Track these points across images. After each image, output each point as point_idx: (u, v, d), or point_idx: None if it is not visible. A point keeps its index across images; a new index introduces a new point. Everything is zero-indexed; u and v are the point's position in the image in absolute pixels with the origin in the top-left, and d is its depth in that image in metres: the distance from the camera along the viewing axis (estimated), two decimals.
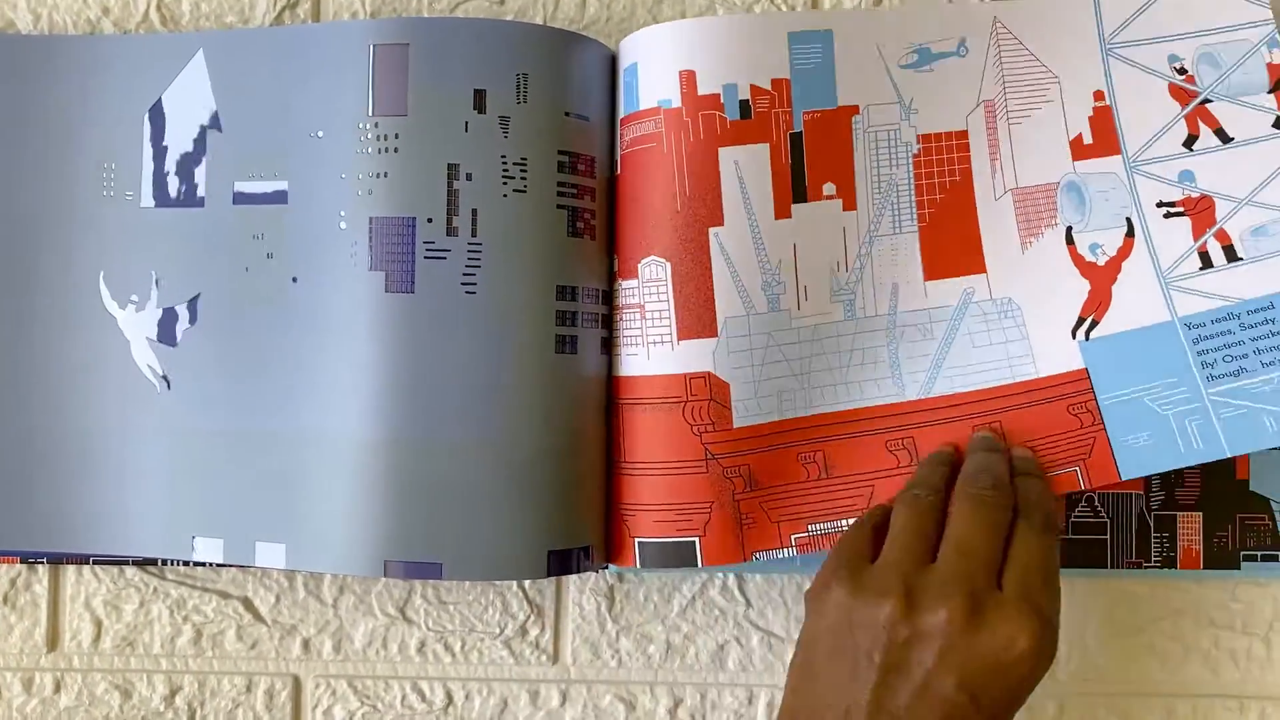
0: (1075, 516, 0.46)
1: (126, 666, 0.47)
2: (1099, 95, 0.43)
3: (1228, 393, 0.41)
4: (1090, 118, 0.43)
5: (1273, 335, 0.40)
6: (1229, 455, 0.40)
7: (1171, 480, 0.46)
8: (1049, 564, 0.38)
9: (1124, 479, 0.41)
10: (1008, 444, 0.42)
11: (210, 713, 0.47)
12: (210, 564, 0.45)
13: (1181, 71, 0.42)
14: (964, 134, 0.43)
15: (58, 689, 0.47)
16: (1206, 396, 0.41)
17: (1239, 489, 0.46)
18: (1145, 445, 0.41)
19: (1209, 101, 0.42)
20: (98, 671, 0.47)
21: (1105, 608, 0.47)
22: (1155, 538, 0.46)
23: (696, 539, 0.42)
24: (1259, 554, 0.46)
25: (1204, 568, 0.46)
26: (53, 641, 0.47)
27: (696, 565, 0.42)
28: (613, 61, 0.45)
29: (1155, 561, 0.46)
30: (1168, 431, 0.41)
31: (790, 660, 0.39)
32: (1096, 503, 0.46)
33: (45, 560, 0.46)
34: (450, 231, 0.41)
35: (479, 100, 0.41)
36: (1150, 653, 0.47)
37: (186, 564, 0.46)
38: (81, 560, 0.46)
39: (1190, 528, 0.46)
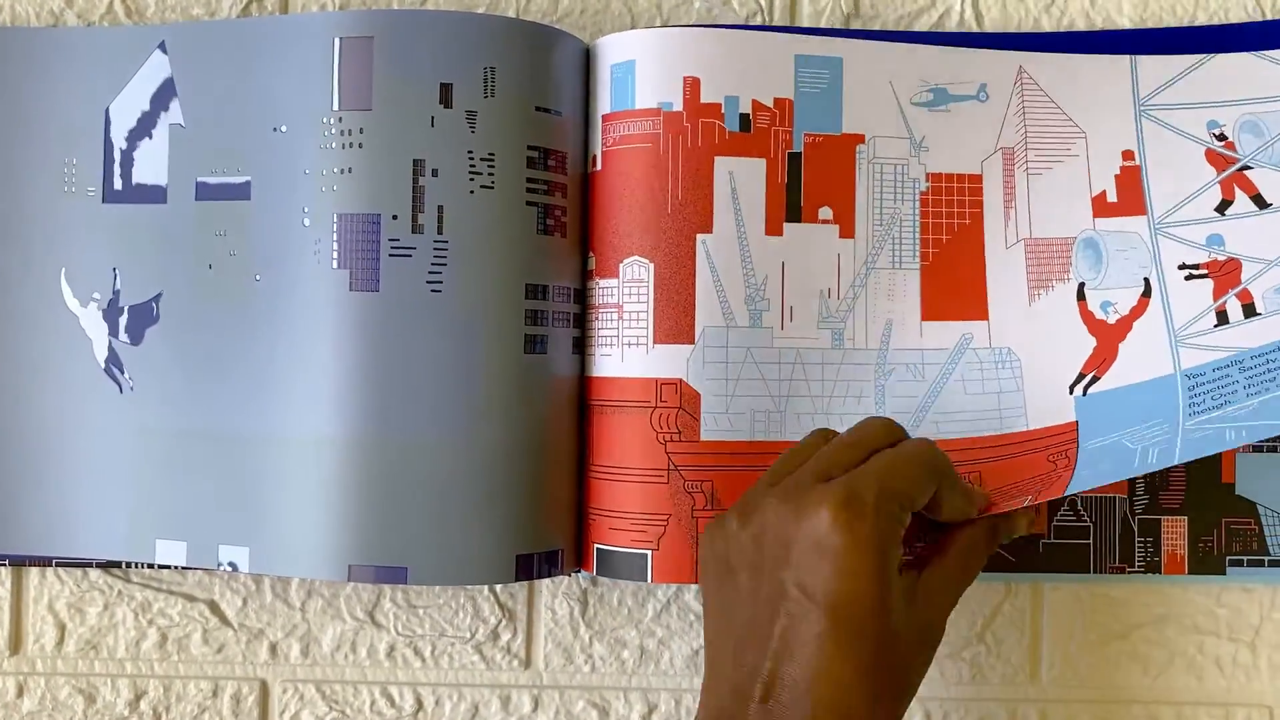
0: (1058, 520, 0.45)
1: (90, 670, 0.46)
2: (1128, 154, 0.43)
3: (1204, 422, 0.40)
4: (1117, 176, 0.43)
5: (1269, 374, 0.40)
6: (1178, 463, 0.39)
7: (1156, 484, 0.45)
8: (892, 468, 0.36)
9: (1067, 494, 0.40)
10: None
11: (176, 717, 0.46)
12: (175, 567, 0.45)
13: (1221, 138, 0.42)
14: (978, 178, 0.43)
15: (20, 693, 0.46)
16: (1182, 428, 0.40)
17: (1225, 493, 0.45)
18: (1102, 470, 0.40)
19: (1248, 168, 0.42)
20: (61, 675, 0.46)
21: (1088, 613, 0.46)
22: (1139, 542, 0.45)
23: (649, 552, 0.42)
24: (1245, 559, 0.45)
25: (1189, 573, 0.45)
26: (15, 645, 0.46)
27: (646, 580, 0.42)
28: (586, 55, 0.44)
29: (1139, 566, 0.45)
30: (1129, 456, 0.40)
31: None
32: (1079, 506, 0.45)
33: (7, 562, 0.45)
34: (415, 229, 0.40)
35: (445, 94, 0.41)
36: (1134, 659, 0.46)
37: (151, 566, 0.45)
38: (44, 562, 0.45)
39: (1175, 532, 0.45)
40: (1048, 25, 0.46)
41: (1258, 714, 0.46)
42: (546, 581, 0.46)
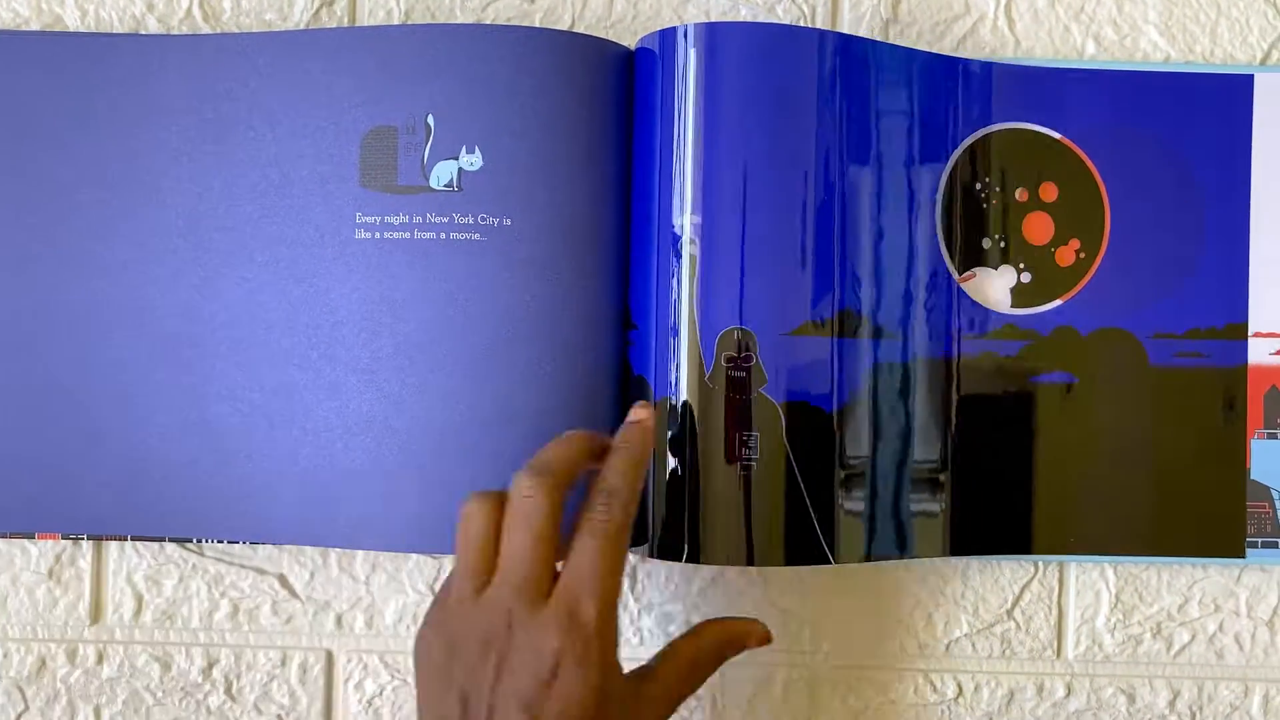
0: None
1: (166, 639, 0.50)
2: None
3: None
4: None
5: None
6: None
7: None
8: (598, 562, 0.38)
9: None
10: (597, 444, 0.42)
11: (246, 685, 0.50)
12: (247, 542, 0.48)
13: None
14: None
15: (100, 660, 0.50)
16: None
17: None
18: None
19: None
20: (138, 644, 0.50)
21: (1113, 591, 0.49)
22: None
23: None
24: (1259, 541, 0.48)
25: (1208, 554, 0.48)
26: (96, 614, 0.50)
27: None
28: (629, 59, 0.47)
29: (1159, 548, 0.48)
30: None
31: None
32: None
33: (87, 537, 0.49)
34: None
35: None
36: (1157, 636, 0.49)
37: (223, 541, 0.49)
38: (122, 537, 0.49)
39: None
40: (1077, 34, 0.49)
41: (1275, 689, 0.49)
42: None
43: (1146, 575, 0.49)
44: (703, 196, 0.44)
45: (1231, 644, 0.49)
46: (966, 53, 0.49)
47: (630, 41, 0.48)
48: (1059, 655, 0.49)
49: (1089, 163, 0.48)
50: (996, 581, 0.49)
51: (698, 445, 0.44)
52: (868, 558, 0.46)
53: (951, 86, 0.47)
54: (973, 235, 0.48)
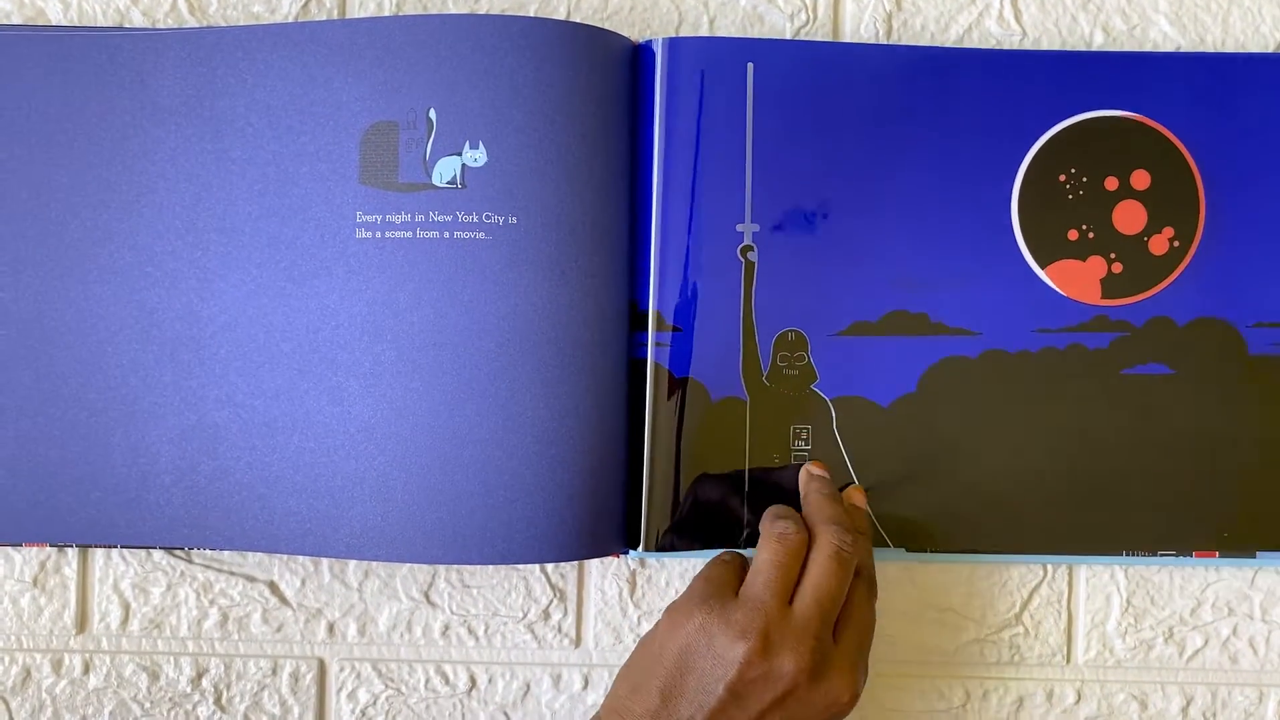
0: None
1: (154, 649, 0.49)
2: None
3: None
4: None
5: None
6: None
7: None
8: (873, 622, 0.44)
9: None
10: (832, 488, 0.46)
11: (236, 695, 0.49)
12: (245, 551, 0.47)
13: None
14: None
15: (86, 670, 0.49)
16: None
17: None
18: None
19: None
20: (125, 653, 0.49)
21: (1124, 595, 0.48)
22: None
23: None
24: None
25: (1219, 557, 0.47)
26: (81, 624, 0.49)
27: None
28: (634, 53, 0.46)
29: (1170, 550, 0.47)
30: None
31: (630, 657, 0.43)
32: None
33: (78, 545, 0.48)
34: None
35: None
36: (1169, 640, 0.48)
37: (213, 548, 0.48)
38: (116, 546, 0.48)
39: None
40: (1084, 24, 0.49)
41: None
42: (595, 562, 0.48)
43: (1158, 578, 0.48)
44: (762, 205, 0.46)
45: (1245, 648, 0.49)
46: (972, 44, 0.48)
47: (628, 33, 0.47)
48: (1069, 661, 0.49)
49: (1182, 148, 0.47)
50: (1005, 586, 0.49)
51: (749, 441, 0.46)
52: (932, 548, 0.47)
53: (1022, 79, 0.47)
54: (1057, 227, 0.47)
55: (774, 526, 0.43)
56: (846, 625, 0.42)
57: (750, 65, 0.46)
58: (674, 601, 0.43)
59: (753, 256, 0.46)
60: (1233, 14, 0.49)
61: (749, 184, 0.46)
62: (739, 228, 0.46)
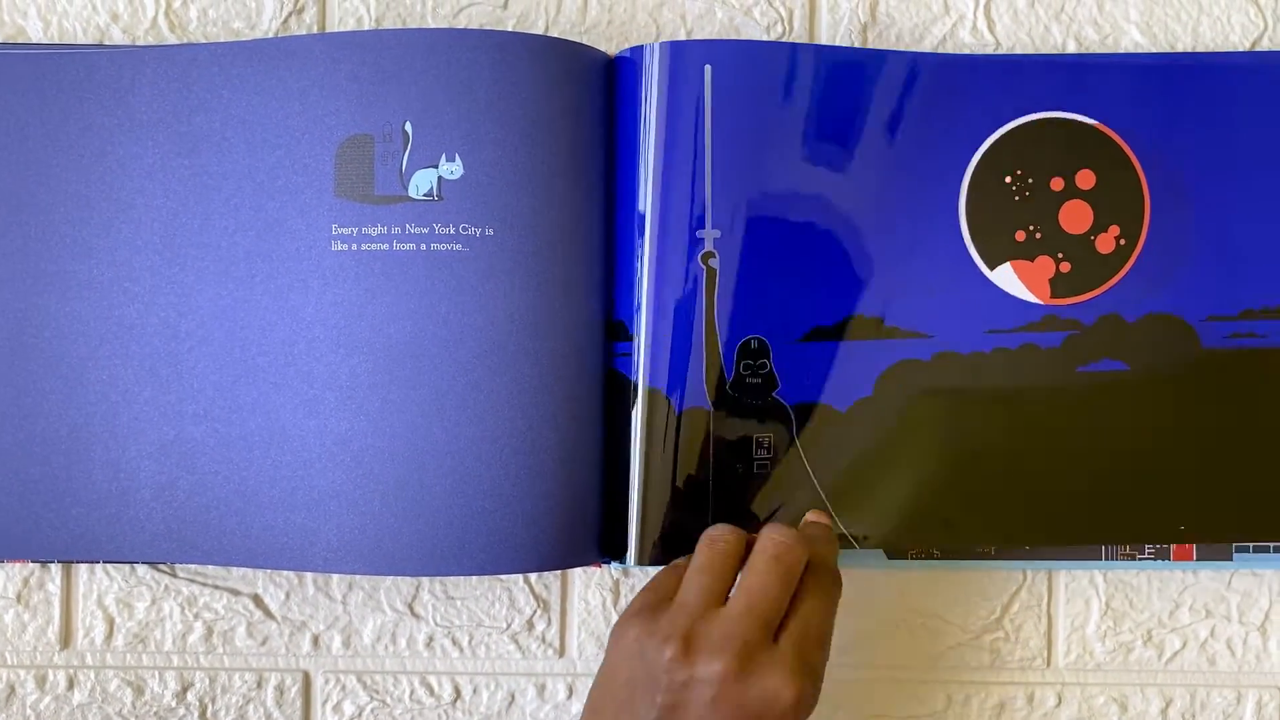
0: None
1: (139, 663, 0.49)
2: None
3: None
4: None
5: None
6: None
7: None
8: (827, 623, 0.42)
9: None
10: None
11: (221, 709, 0.49)
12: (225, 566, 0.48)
13: None
14: None
15: (71, 686, 0.49)
16: None
17: None
18: None
19: None
20: (110, 669, 0.49)
21: (1103, 598, 0.49)
22: None
23: None
24: (1250, 545, 0.48)
25: (1197, 559, 0.48)
26: (66, 639, 0.49)
27: None
28: (610, 66, 0.47)
29: (1148, 554, 0.48)
30: None
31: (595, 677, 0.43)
32: None
33: (59, 560, 0.48)
34: None
35: None
36: (1148, 642, 0.49)
37: (194, 563, 0.48)
38: (91, 561, 0.48)
39: None
40: (1057, 33, 0.50)
41: (1269, 695, 0.49)
42: (579, 572, 0.49)
43: (1136, 581, 0.49)
44: (722, 211, 0.46)
45: (1223, 650, 0.49)
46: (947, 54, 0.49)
47: (605, 46, 0.48)
48: (1049, 664, 0.50)
49: (1126, 147, 0.48)
50: (984, 590, 0.49)
51: (712, 452, 0.46)
52: (901, 552, 0.48)
53: (965, 83, 0.48)
54: (1005, 228, 0.48)
55: (708, 533, 0.43)
56: (792, 621, 0.41)
57: (708, 68, 0.46)
58: (620, 615, 0.43)
59: (714, 264, 0.46)
60: (1202, 22, 0.50)
61: (709, 190, 0.46)
62: (700, 234, 0.46)
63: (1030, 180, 0.48)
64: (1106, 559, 0.48)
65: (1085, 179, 0.48)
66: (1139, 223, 0.48)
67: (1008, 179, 0.48)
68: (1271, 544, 0.48)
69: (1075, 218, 0.48)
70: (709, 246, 0.46)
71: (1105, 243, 0.48)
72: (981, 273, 0.48)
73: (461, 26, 0.49)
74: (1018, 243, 0.48)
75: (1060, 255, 0.48)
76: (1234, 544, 0.48)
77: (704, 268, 0.46)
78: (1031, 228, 0.48)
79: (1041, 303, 0.48)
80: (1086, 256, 0.48)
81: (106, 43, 0.49)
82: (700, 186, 0.46)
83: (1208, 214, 0.48)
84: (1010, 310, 0.48)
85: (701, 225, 0.46)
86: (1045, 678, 0.50)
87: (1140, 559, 0.48)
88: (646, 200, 0.46)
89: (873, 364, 0.47)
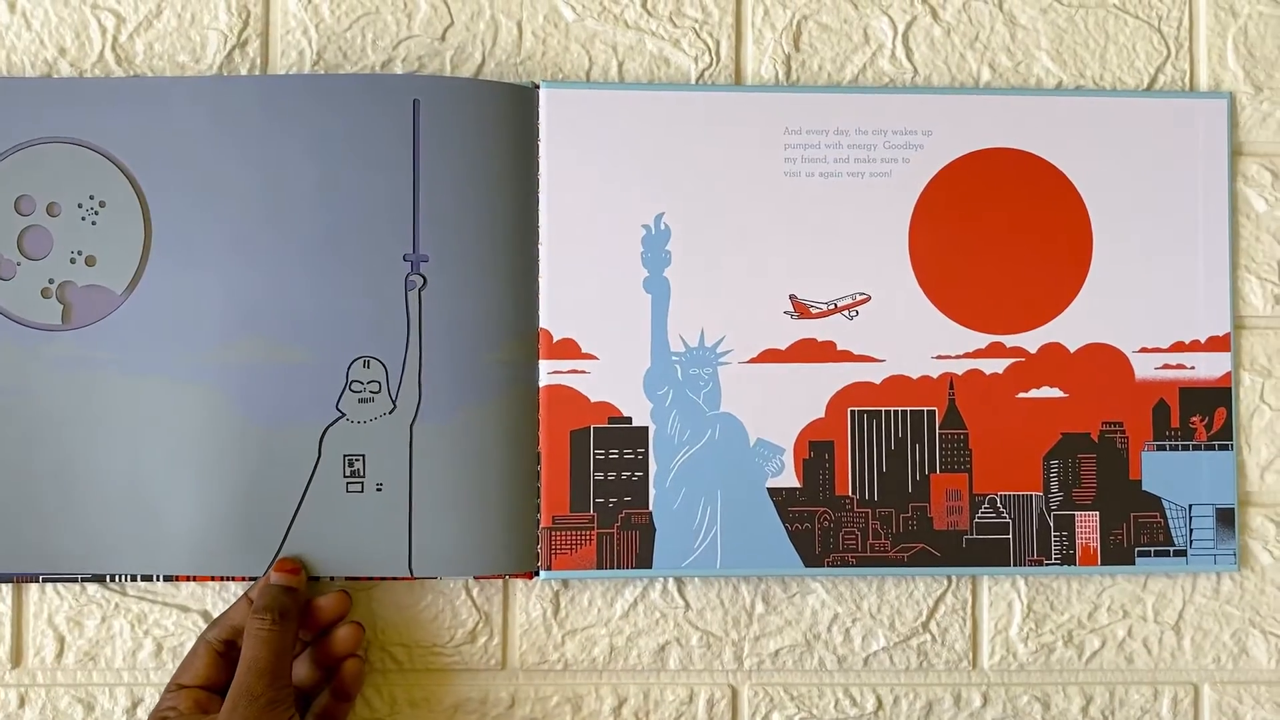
0: (979, 518, 0.51)
1: (89, 680, 0.51)
2: None
3: None
4: None
5: None
6: None
7: (1069, 482, 0.51)
8: (258, 653, 0.45)
9: None
10: None
11: None
12: (170, 578, 0.49)
13: None
14: None
15: (22, 704, 0.50)
16: None
17: (1132, 489, 0.51)
18: None
19: None
20: (61, 686, 0.51)
21: (1024, 601, 0.52)
22: (1055, 536, 0.51)
23: None
24: (1152, 549, 0.51)
25: (1101, 564, 0.51)
26: (16, 658, 0.51)
27: None
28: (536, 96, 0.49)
29: (1055, 559, 0.50)
30: None
31: None
32: (999, 504, 0.51)
33: (15, 579, 0.49)
34: None
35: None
36: (1069, 643, 0.52)
37: (147, 579, 0.50)
38: (35, 579, 0.49)
39: (1087, 526, 0.50)
40: (972, 61, 0.52)
41: (1183, 691, 0.52)
42: (520, 584, 0.51)
43: (1057, 584, 0.52)
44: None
45: (1140, 649, 0.52)
46: (867, 82, 0.52)
47: (539, 78, 0.50)
48: (975, 666, 0.52)
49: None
50: (911, 595, 0.52)
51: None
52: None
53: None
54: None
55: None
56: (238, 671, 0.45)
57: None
58: None
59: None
60: (1109, 50, 0.52)
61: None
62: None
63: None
64: (1015, 565, 0.50)
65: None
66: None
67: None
68: (1171, 548, 0.51)
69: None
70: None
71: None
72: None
73: (399, 61, 0.51)
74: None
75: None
76: (1136, 549, 0.51)
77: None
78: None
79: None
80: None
81: (55, 75, 0.51)
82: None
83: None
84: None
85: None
86: (971, 679, 0.52)
87: (1047, 564, 0.51)
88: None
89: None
